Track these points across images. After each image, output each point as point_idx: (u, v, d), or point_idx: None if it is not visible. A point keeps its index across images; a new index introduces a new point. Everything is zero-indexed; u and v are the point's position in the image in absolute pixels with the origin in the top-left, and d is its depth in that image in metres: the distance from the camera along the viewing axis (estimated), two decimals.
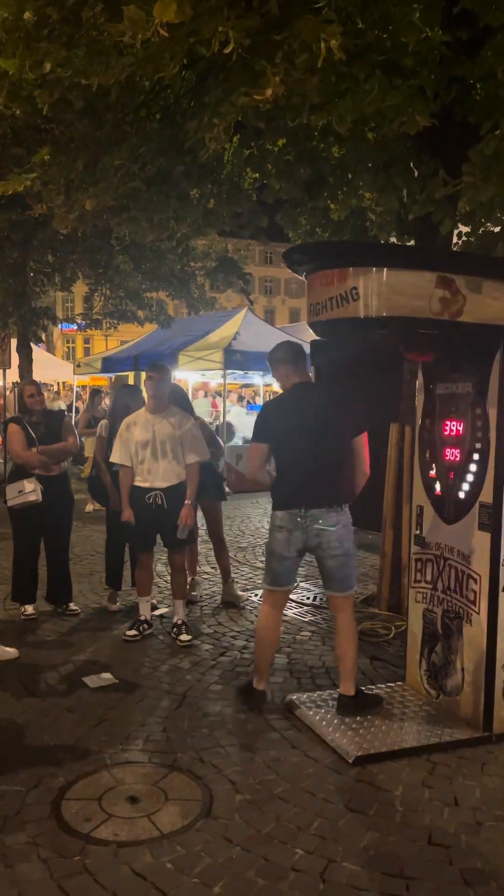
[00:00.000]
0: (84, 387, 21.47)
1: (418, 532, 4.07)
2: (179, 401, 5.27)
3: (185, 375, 15.05)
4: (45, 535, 5.44)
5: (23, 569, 5.39)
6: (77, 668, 4.42)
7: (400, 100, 3.33)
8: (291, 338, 14.33)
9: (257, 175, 5.33)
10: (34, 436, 5.24)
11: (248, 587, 6.31)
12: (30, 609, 5.38)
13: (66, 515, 5.56)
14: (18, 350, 12.40)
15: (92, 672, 4.34)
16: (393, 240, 7.39)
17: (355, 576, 3.89)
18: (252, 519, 9.68)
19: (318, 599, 5.94)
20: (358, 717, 3.66)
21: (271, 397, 17.56)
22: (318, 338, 4.14)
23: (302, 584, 6.38)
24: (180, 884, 2.46)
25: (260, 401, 17.07)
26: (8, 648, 4.65)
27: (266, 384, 17.61)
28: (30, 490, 5.14)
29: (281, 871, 2.53)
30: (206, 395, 18.21)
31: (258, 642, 3.92)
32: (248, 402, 18.59)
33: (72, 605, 5.53)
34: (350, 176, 6.20)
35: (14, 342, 12.63)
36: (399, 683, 4.16)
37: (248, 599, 5.92)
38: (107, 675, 4.29)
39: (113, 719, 3.73)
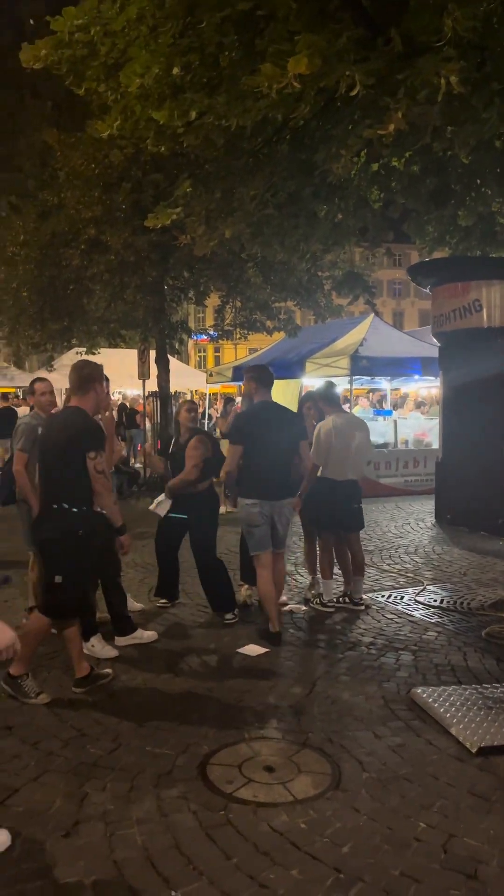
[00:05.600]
0: (215, 395, 22.33)
1: None
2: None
3: (312, 382, 15.37)
4: (192, 547, 5.72)
5: (159, 567, 5.91)
6: (212, 653, 4.82)
7: None
8: (419, 342, 14.32)
9: (383, 194, 5.56)
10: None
11: (375, 588, 6.51)
12: (162, 599, 5.92)
13: (203, 531, 5.68)
14: (157, 362, 13.23)
15: (232, 657, 4.73)
16: None
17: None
18: (380, 524, 9.83)
19: (444, 602, 6.04)
20: (482, 713, 3.80)
21: (399, 400, 17.50)
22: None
23: (429, 588, 6.50)
24: (313, 841, 2.76)
25: (388, 405, 17.08)
26: (148, 632, 5.16)
27: (394, 388, 17.60)
28: (160, 503, 5.65)
29: (405, 840, 2.76)
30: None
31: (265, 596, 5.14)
32: (375, 407, 18.58)
33: (227, 616, 5.52)
34: (478, 181, 6.27)
35: (153, 354, 13.49)
36: None
37: (373, 600, 6.13)
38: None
39: (248, 700, 4.09)
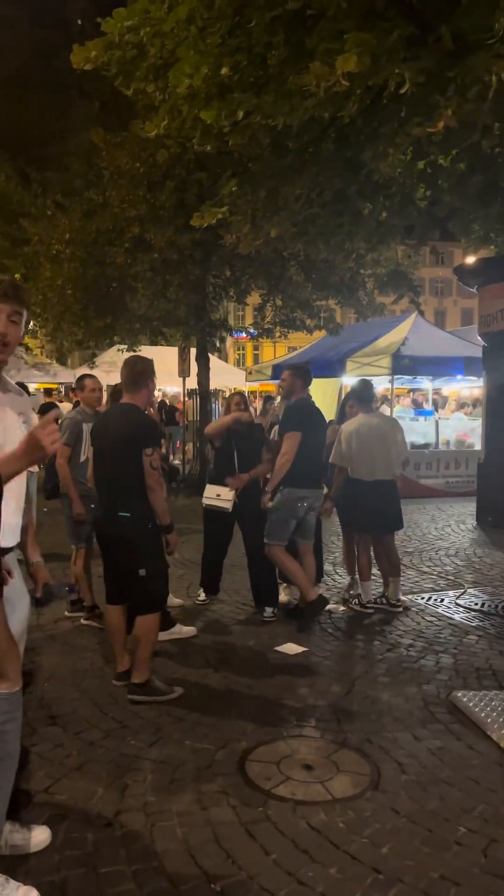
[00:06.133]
0: (254, 393, 22.36)
1: None
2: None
3: (352, 381, 15.25)
4: (244, 539, 5.81)
5: (204, 561, 5.96)
6: (250, 650, 4.85)
7: None
8: (462, 341, 14.12)
9: (429, 192, 5.51)
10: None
11: (415, 590, 6.46)
12: (202, 595, 5.96)
13: (255, 520, 5.70)
14: (197, 360, 13.31)
15: (270, 654, 4.75)
16: None
17: None
18: (420, 525, 9.74)
19: (485, 606, 5.97)
20: None
21: (438, 400, 17.25)
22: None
23: (470, 591, 6.42)
24: (351, 841, 2.76)
25: (429, 406, 16.89)
26: (187, 627, 5.21)
27: (435, 388, 17.38)
28: (225, 498, 5.64)
29: (444, 843, 2.75)
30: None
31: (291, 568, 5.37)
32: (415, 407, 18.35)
33: (266, 612, 5.56)
34: None
35: (193, 352, 13.57)
36: None
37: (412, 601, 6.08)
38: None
39: (287, 698, 4.10)
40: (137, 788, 3.13)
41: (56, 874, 2.56)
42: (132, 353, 15.83)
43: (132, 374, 4.20)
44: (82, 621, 5.35)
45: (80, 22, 16.23)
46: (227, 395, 24.47)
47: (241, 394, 6.11)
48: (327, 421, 10.14)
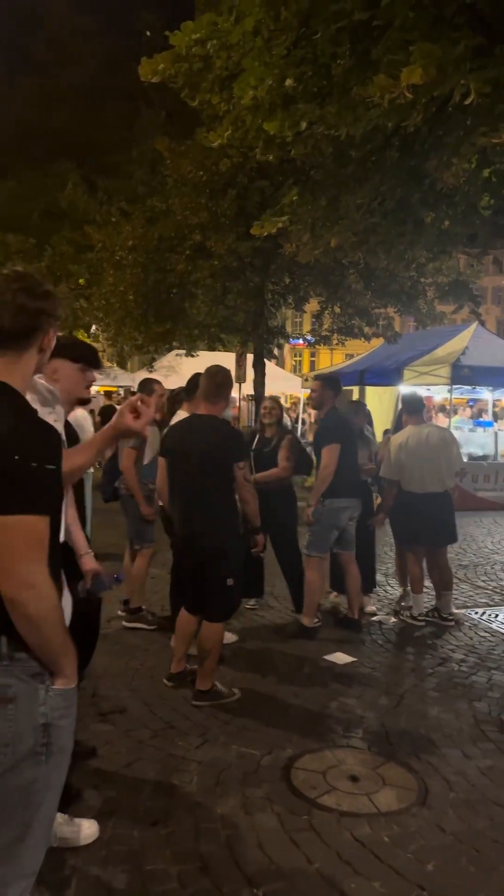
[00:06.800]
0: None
1: None
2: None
3: (409, 391, 15.07)
4: (273, 549, 5.75)
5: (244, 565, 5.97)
6: (298, 658, 4.84)
7: None
8: None
9: (493, 201, 5.43)
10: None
11: (468, 604, 6.34)
12: (251, 601, 5.96)
13: (283, 526, 5.75)
14: (254, 366, 13.37)
15: (318, 662, 4.75)
16: None
17: None
18: (476, 538, 9.55)
19: None
20: None
21: (502, 411, 16.86)
22: None
23: None
24: (396, 856, 2.73)
25: (488, 417, 16.55)
26: (229, 634, 5.22)
27: (496, 399, 17.02)
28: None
29: (492, 864, 2.70)
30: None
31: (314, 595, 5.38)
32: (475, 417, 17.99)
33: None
34: None
35: (250, 358, 13.64)
36: None
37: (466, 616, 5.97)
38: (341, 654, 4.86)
39: (334, 708, 4.09)
40: (184, 789, 3.17)
41: (104, 869, 2.62)
42: (187, 358, 16.06)
43: (214, 384, 4.11)
44: (124, 623, 5.37)
45: (147, 34, 16.55)
46: (282, 400, 24.49)
47: (272, 398, 6.12)
48: (384, 431, 10.06)
